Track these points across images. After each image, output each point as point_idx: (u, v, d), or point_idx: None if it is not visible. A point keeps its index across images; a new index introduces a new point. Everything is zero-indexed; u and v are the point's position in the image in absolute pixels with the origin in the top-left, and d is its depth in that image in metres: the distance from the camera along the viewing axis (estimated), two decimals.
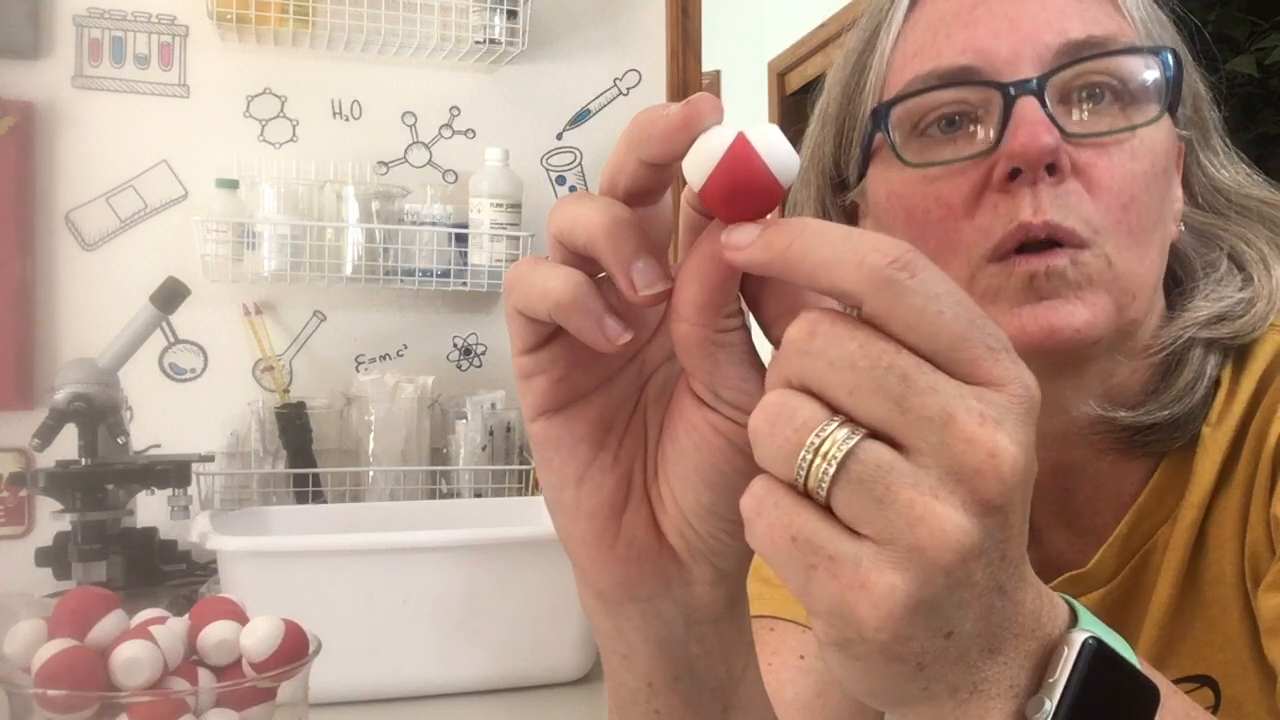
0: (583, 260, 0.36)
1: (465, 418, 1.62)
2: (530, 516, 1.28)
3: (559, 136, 1.83)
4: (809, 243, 0.31)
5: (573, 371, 0.39)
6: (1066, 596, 0.36)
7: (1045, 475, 0.63)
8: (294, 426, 1.58)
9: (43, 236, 1.58)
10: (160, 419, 1.59)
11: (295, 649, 0.56)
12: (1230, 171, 0.63)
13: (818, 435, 0.31)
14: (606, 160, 0.37)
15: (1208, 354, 0.59)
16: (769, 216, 0.34)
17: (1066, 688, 0.33)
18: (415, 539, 1.06)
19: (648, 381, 0.41)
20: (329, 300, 1.70)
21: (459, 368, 1.77)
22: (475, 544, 1.07)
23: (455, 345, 1.77)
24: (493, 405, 1.65)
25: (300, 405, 1.60)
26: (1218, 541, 0.59)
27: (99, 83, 1.61)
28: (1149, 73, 0.56)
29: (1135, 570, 0.62)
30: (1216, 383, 0.59)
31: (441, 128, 1.77)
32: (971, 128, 0.57)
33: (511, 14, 1.70)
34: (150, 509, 1.40)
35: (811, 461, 0.31)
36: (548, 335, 0.38)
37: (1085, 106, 0.56)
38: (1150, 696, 0.34)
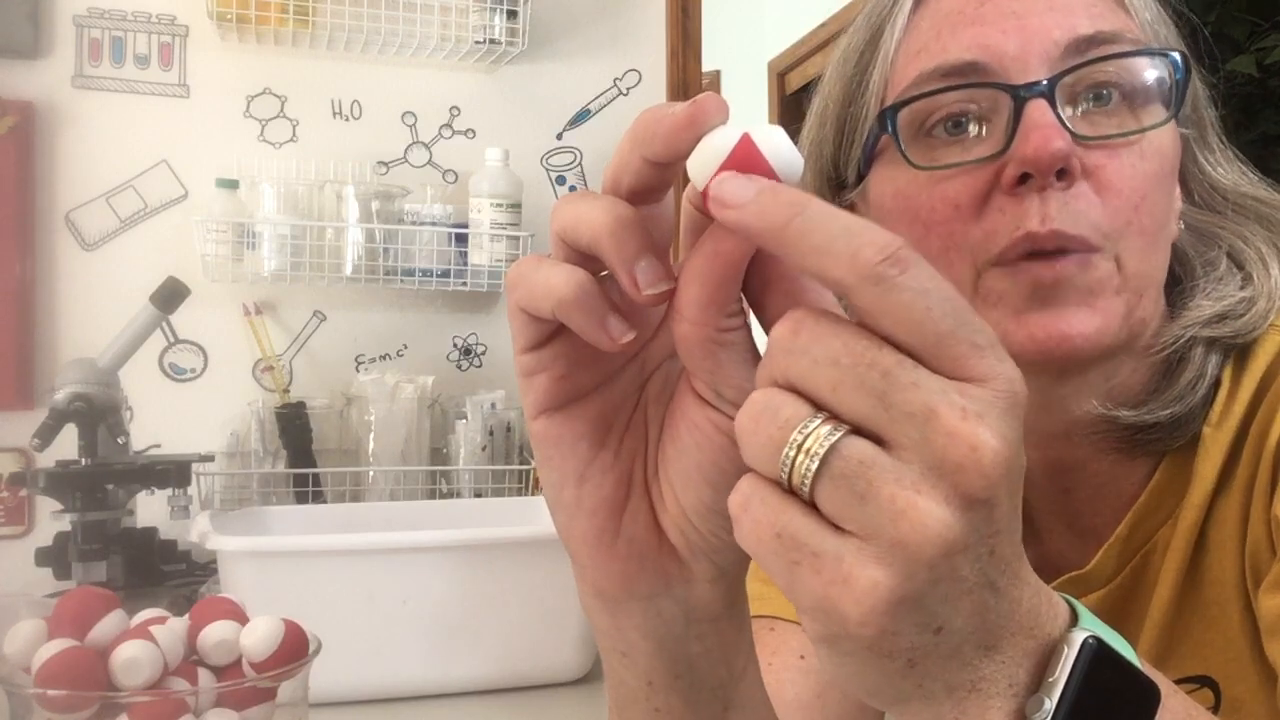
0: (585, 259, 0.36)
1: (465, 418, 1.62)
2: (530, 516, 1.28)
3: (559, 136, 1.83)
4: (807, 225, 0.31)
5: (574, 369, 0.39)
6: (1067, 596, 0.36)
7: (1045, 475, 0.63)
8: (294, 426, 1.57)
9: (43, 236, 1.58)
10: (160, 419, 1.59)
11: (295, 649, 0.56)
12: (1226, 170, 0.63)
13: (800, 432, 0.31)
14: (607, 160, 0.37)
15: (1209, 353, 0.59)
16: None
17: (1067, 687, 0.32)
18: (415, 539, 1.06)
19: (649, 380, 0.41)
20: (329, 300, 1.70)
21: (459, 368, 1.77)
22: (475, 544, 1.07)
23: (455, 345, 1.77)
24: (493, 405, 1.65)
25: (300, 405, 1.60)
26: (1218, 542, 0.58)
27: (99, 83, 1.61)
28: (1159, 74, 0.56)
29: (1135, 571, 0.62)
30: (1217, 383, 0.59)
31: (441, 128, 1.77)
32: (979, 128, 0.56)
33: (511, 14, 1.70)
34: (150, 509, 1.40)
35: (795, 458, 0.31)
36: (550, 333, 0.38)
37: (1094, 107, 0.56)
38: (1151, 696, 0.34)
